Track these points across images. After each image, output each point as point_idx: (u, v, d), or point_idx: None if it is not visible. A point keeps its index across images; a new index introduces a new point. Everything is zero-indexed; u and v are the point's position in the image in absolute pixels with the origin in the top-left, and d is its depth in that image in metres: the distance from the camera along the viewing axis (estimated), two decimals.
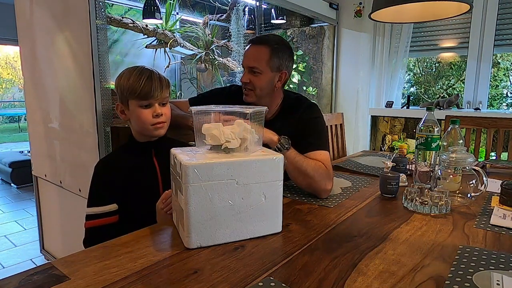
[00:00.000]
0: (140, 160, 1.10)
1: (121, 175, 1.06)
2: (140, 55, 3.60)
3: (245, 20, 3.50)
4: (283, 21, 3.43)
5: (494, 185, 1.29)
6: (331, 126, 2.27)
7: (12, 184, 4.20)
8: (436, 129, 1.20)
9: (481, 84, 2.85)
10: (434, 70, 3.84)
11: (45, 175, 2.11)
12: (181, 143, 1.19)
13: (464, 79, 2.99)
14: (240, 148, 0.85)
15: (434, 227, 0.94)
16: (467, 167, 1.12)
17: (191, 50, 3.40)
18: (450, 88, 3.76)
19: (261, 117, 0.93)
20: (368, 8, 2.77)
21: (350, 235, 0.88)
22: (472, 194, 1.13)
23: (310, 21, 3.63)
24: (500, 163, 1.68)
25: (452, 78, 3.75)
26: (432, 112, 1.23)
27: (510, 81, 3.68)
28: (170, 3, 3.05)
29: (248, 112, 0.85)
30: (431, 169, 1.20)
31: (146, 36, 3.04)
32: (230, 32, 3.61)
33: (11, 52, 11.94)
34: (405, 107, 3.13)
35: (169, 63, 3.26)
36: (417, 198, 1.07)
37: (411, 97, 3.28)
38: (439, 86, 3.81)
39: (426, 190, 1.10)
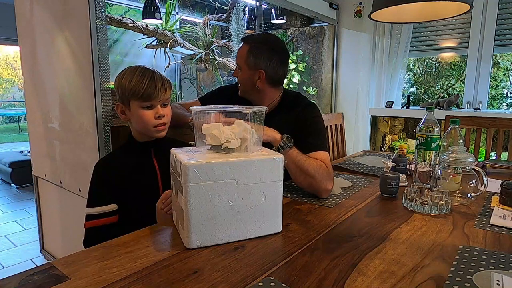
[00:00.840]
0: (140, 160, 1.10)
1: (120, 175, 1.06)
2: (140, 55, 3.60)
3: (245, 20, 3.50)
4: (283, 21, 3.43)
5: (494, 185, 1.29)
6: (331, 126, 2.27)
7: (12, 184, 4.20)
8: (436, 129, 1.20)
9: (481, 84, 2.85)
10: (434, 70, 3.83)
11: (45, 175, 2.11)
12: (181, 143, 1.19)
13: (464, 79, 2.99)
14: (240, 148, 0.85)
15: (434, 227, 0.94)
16: (467, 167, 1.12)
17: (191, 50, 3.40)
18: (450, 88, 3.76)
19: (261, 117, 0.93)
20: (368, 8, 2.77)
21: (350, 235, 0.88)
22: (472, 194, 1.13)
23: (310, 21, 3.62)
24: (500, 163, 1.68)
25: (452, 78, 3.75)
26: (432, 112, 1.23)
27: (510, 81, 3.68)
28: (170, 3, 3.05)
29: (248, 112, 0.85)
30: (431, 169, 1.20)
31: (146, 36, 3.05)
32: (230, 32, 3.61)
33: (11, 52, 11.93)
34: (405, 107, 3.13)
35: (169, 63, 3.26)
36: (417, 198, 1.07)
37: (411, 97, 3.28)
38: (439, 86, 3.81)
39: (426, 190, 1.10)
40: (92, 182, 1.07)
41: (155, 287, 0.64)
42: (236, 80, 1.37)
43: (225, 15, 3.57)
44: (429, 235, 0.88)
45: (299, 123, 1.27)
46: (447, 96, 3.15)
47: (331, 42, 3.45)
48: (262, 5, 3.55)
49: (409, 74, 3.82)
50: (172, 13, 3.27)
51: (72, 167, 1.86)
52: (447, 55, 3.33)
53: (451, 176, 1.13)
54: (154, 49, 3.24)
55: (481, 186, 1.12)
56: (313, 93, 3.55)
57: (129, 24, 2.86)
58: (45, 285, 0.64)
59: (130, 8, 3.59)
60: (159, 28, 3.06)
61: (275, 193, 0.86)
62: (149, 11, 2.68)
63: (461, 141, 1.27)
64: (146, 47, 3.20)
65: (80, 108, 1.70)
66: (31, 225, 2.94)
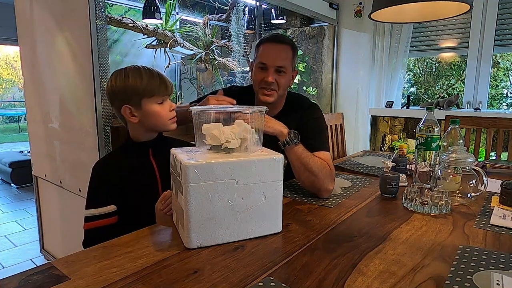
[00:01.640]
0: (138, 160, 1.10)
1: (120, 175, 1.06)
2: (140, 55, 3.60)
3: (245, 20, 3.50)
4: (283, 21, 3.43)
5: (494, 185, 1.29)
6: (331, 126, 2.27)
7: (12, 184, 4.20)
8: (436, 129, 1.20)
9: (481, 84, 2.85)
10: (434, 70, 3.83)
11: (45, 175, 2.11)
12: (179, 142, 1.20)
13: (464, 79, 2.99)
14: (240, 148, 0.85)
15: (434, 227, 0.94)
16: (467, 167, 1.12)
17: (191, 50, 3.40)
18: (450, 88, 3.76)
19: (261, 117, 0.93)
20: (368, 8, 2.77)
21: (350, 235, 0.88)
22: (472, 194, 1.13)
23: (310, 21, 3.62)
24: (500, 163, 1.68)
25: (452, 78, 3.74)
26: (432, 112, 1.23)
27: (510, 81, 3.68)
28: (170, 3, 3.05)
29: (248, 112, 0.85)
30: (431, 169, 1.20)
31: (146, 36, 3.04)
32: (230, 32, 3.61)
33: (11, 52, 11.93)
34: (405, 107, 3.13)
35: (169, 63, 3.26)
36: (417, 198, 1.07)
37: (411, 97, 3.28)
38: (439, 86, 3.81)
39: (426, 190, 1.10)
40: (91, 182, 1.07)
41: (155, 287, 0.64)
42: (269, 85, 1.23)
43: (225, 15, 3.56)
44: (429, 235, 0.88)
45: (302, 124, 1.28)
46: (447, 96, 3.15)
47: (331, 42, 3.45)
48: (262, 5, 3.55)
49: (409, 74, 3.82)
50: (172, 13, 3.26)
51: (72, 167, 1.86)
52: (447, 55, 3.33)
53: (451, 176, 1.13)
54: (154, 49, 3.24)
55: (481, 186, 1.12)
56: (313, 93, 3.55)
57: (129, 24, 2.86)
58: (45, 285, 0.64)
59: (130, 8, 3.59)
60: (159, 28, 3.06)
61: (275, 193, 0.86)
62: (149, 11, 2.68)
63: (461, 141, 1.27)
64: (146, 47, 3.20)
65: (80, 108, 1.70)
66: (31, 225, 2.94)
